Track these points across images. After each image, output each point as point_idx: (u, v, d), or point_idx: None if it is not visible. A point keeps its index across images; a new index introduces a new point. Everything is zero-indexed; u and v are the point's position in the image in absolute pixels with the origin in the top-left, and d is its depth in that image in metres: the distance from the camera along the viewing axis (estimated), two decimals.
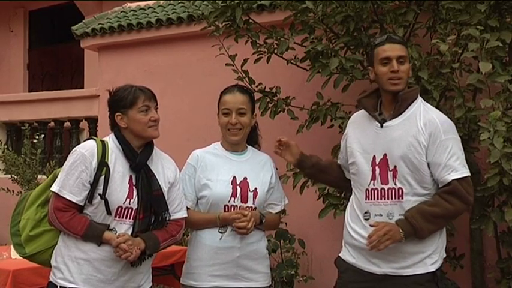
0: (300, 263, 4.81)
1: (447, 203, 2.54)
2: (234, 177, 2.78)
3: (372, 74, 2.74)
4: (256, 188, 2.80)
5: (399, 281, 2.59)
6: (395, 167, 2.59)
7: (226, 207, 2.76)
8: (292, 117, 4.34)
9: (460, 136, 3.48)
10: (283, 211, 3.01)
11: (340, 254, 2.81)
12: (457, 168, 2.56)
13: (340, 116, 3.98)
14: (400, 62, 2.62)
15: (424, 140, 2.56)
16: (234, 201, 2.76)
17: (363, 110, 2.82)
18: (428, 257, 2.61)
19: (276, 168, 2.98)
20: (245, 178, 2.80)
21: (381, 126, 2.65)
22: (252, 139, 2.97)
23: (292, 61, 4.27)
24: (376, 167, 2.64)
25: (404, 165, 2.58)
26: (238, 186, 2.78)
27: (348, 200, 3.86)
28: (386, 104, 2.69)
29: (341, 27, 4.00)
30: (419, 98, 2.70)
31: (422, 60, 3.44)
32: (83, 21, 6.98)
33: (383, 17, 3.90)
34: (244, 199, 2.77)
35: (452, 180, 2.54)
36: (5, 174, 6.92)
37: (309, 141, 4.82)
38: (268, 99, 4.32)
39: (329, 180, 3.13)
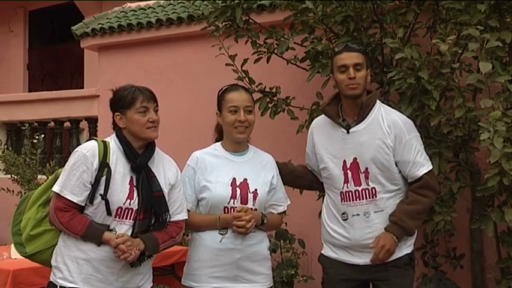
0: (300, 263, 4.81)
1: (423, 198, 2.79)
2: (234, 179, 2.76)
3: (333, 81, 2.92)
4: (256, 189, 2.78)
5: (380, 268, 2.81)
6: (366, 169, 2.80)
7: (226, 209, 2.74)
8: (292, 117, 4.34)
9: (460, 136, 3.51)
10: (284, 211, 3.00)
11: (322, 252, 3.02)
12: (423, 163, 2.81)
13: None
14: (356, 69, 2.80)
15: (390, 141, 2.78)
16: (233, 202, 2.74)
17: (322, 117, 2.99)
18: (404, 244, 2.83)
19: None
20: (245, 179, 2.78)
21: (347, 132, 2.82)
22: None
23: (292, 61, 4.27)
24: (348, 171, 2.84)
25: (375, 167, 2.79)
26: (238, 188, 2.75)
27: None
28: (348, 110, 2.87)
29: (341, 27, 4.00)
30: (378, 102, 2.89)
31: (422, 60, 3.43)
32: (83, 21, 6.97)
33: (383, 17, 3.90)
34: (244, 200, 2.75)
35: (423, 175, 2.79)
36: (5, 174, 6.92)
37: None
38: (268, 99, 4.32)
39: (305, 185, 3.25)
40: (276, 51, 4.18)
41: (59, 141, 7.35)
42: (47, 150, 7.37)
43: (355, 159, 2.81)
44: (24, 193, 5.95)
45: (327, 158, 2.89)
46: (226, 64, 4.28)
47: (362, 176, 2.80)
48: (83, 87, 9.13)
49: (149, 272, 2.71)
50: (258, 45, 4.27)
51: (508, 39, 3.24)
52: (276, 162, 3.01)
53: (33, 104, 7.39)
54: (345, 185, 2.83)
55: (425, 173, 2.80)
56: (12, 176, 6.39)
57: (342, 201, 2.85)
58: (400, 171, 2.82)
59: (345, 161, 2.83)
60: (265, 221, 2.79)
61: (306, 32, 4.07)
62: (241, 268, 2.74)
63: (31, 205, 2.67)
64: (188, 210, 2.77)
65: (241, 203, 2.74)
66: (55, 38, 10.78)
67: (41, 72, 10.85)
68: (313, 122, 3.10)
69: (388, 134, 2.77)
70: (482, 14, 3.28)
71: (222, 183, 2.75)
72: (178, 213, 2.70)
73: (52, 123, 7.42)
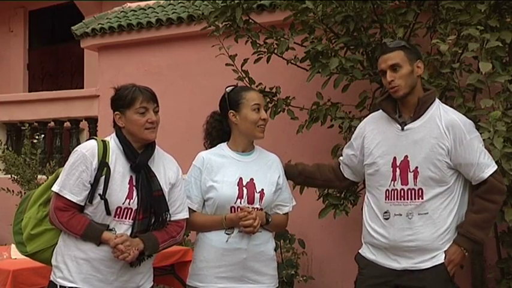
0: (300, 263, 4.81)
1: (490, 203, 2.65)
2: (241, 179, 2.75)
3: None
4: (263, 189, 2.77)
5: (417, 275, 2.68)
6: (416, 168, 2.68)
7: (233, 209, 2.72)
8: (292, 117, 4.34)
9: None
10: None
11: (360, 251, 2.89)
12: (488, 164, 2.67)
13: (340, 116, 3.97)
14: (393, 70, 2.69)
15: (447, 143, 2.65)
16: (240, 202, 2.72)
17: (379, 111, 2.87)
18: (442, 252, 2.70)
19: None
20: (251, 179, 2.76)
21: (402, 129, 2.72)
22: None
23: (292, 61, 4.27)
24: (397, 168, 2.71)
25: (426, 167, 2.66)
26: (244, 188, 2.74)
27: (349, 200, 3.92)
28: (403, 107, 2.77)
29: (341, 27, 4.00)
30: (437, 100, 2.77)
31: (422, 60, 3.43)
32: (83, 21, 6.98)
33: (383, 17, 3.90)
34: (251, 200, 2.74)
35: (488, 177, 2.64)
36: (5, 174, 6.91)
37: (309, 141, 4.83)
38: (268, 99, 4.32)
39: (317, 184, 3.21)
40: (276, 51, 4.17)
41: (59, 141, 7.35)
42: (47, 150, 7.37)
43: (406, 157, 2.69)
44: (24, 193, 5.95)
45: (377, 153, 2.78)
46: (226, 64, 4.28)
47: (410, 175, 2.68)
48: (83, 87, 9.13)
49: (149, 272, 2.70)
50: (258, 45, 4.27)
51: (508, 39, 3.24)
52: (285, 164, 2.99)
53: (33, 104, 7.39)
54: (392, 182, 2.71)
55: (491, 174, 2.65)
56: (12, 176, 6.39)
57: (385, 200, 2.73)
58: (453, 175, 2.69)
59: (395, 158, 2.72)
60: (270, 220, 2.77)
61: (306, 32, 4.07)
62: (247, 268, 2.73)
63: (32, 204, 2.66)
64: (194, 211, 2.77)
65: (248, 203, 2.73)
66: (55, 38, 10.77)
67: (41, 72, 10.85)
68: (368, 116, 3.00)
69: (446, 136, 2.65)
70: (482, 14, 3.28)
71: (228, 182, 2.74)
72: (179, 212, 2.69)
73: (52, 123, 7.41)
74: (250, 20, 4.34)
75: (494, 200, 2.66)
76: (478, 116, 3.30)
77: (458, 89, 3.36)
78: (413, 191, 2.68)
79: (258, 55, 4.28)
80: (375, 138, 2.82)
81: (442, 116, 2.69)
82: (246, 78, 4.30)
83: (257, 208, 2.74)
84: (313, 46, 3.90)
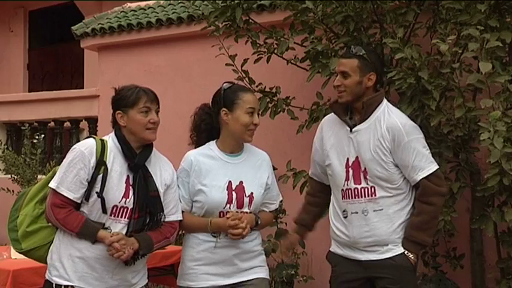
0: (300, 263, 4.81)
1: (426, 205, 2.74)
2: (230, 182, 2.72)
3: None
4: (252, 193, 2.75)
5: (380, 265, 2.78)
6: (365, 168, 2.79)
7: (222, 213, 2.71)
8: (292, 117, 4.34)
9: (460, 136, 3.51)
10: (283, 211, 2.99)
11: (330, 249, 2.99)
12: (423, 167, 2.75)
13: None
14: (343, 76, 2.80)
15: (388, 143, 2.75)
16: (229, 207, 2.71)
17: (333, 113, 2.96)
18: (399, 244, 2.79)
19: (274, 168, 2.95)
20: (241, 182, 2.74)
21: (351, 130, 2.82)
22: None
23: (292, 61, 4.27)
24: (350, 169, 2.83)
25: (373, 167, 2.77)
26: (233, 192, 2.72)
27: None
28: (353, 109, 2.87)
29: (341, 27, 4.00)
30: (384, 101, 2.86)
31: (422, 60, 3.43)
32: (83, 21, 6.99)
33: (383, 17, 3.90)
34: (240, 205, 2.72)
35: (421, 179, 2.74)
36: (5, 174, 6.92)
37: (309, 141, 4.80)
38: (268, 99, 4.32)
39: (324, 208, 3.20)
40: (276, 51, 4.18)
41: (59, 141, 7.36)
42: (47, 150, 7.37)
43: (357, 157, 2.81)
44: None
45: (333, 155, 2.89)
46: (226, 64, 4.28)
47: (362, 175, 2.80)
48: (83, 87, 9.13)
49: (144, 269, 2.72)
50: (258, 45, 4.27)
51: (508, 39, 3.24)
52: (296, 235, 3.12)
53: (33, 104, 7.40)
54: (346, 182, 2.83)
55: (425, 177, 2.72)
56: (12, 176, 6.40)
57: (342, 199, 2.86)
58: (401, 173, 2.78)
59: (348, 158, 2.83)
60: (259, 222, 2.78)
61: (306, 32, 4.07)
62: (235, 265, 2.74)
63: (28, 202, 2.67)
64: (182, 212, 2.76)
65: (237, 207, 2.71)
66: (55, 38, 10.78)
67: (41, 72, 10.85)
68: (325, 117, 3.09)
69: (386, 136, 2.74)
70: (482, 14, 3.29)
71: (217, 187, 2.71)
72: (172, 213, 2.70)
73: (52, 123, 7.42)
74: (250, 20, 4.34)
75: (430, 202, 2.73)
76: (478, 116, 3.30)
77: (458, 89, 3.36)
78: (366, 189, 2.79)
79: (258, 55, 4.28)
80: (330, 139, 2.93)
81: (385, 118, 2.78)
82: (246, 78, 4.30)
83: (246, 212, 2.73)
84: (313, 46, 3.91)
